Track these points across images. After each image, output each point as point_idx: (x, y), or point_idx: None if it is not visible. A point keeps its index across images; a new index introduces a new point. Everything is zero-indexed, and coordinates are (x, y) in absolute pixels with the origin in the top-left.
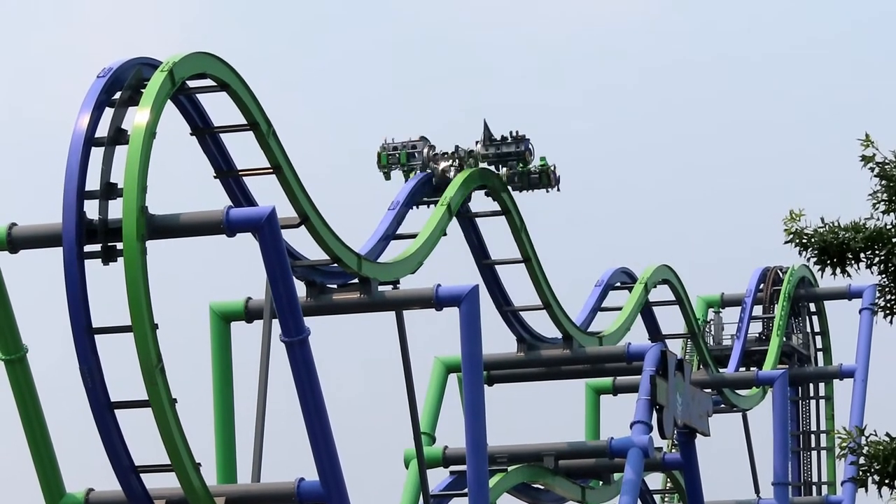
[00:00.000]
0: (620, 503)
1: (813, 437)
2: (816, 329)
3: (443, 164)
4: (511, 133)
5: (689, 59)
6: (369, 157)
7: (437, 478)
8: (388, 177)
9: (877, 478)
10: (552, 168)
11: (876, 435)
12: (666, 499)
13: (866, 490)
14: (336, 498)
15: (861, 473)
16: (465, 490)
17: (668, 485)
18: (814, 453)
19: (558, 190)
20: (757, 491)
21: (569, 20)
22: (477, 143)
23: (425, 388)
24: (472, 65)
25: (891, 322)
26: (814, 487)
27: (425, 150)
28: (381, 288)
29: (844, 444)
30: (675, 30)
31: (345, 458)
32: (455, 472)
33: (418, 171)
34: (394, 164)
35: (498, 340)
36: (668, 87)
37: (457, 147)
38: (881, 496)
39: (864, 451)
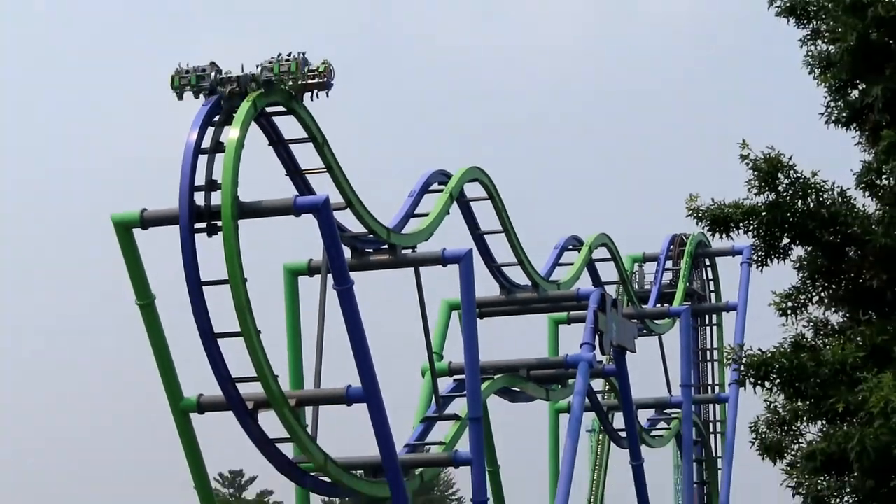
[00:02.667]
0: (574, 401)
1: (708, 352)
2: (710, 277)
3: (228, 88)
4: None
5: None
6: (388, 158)
7: (445, 384)
8: (180, 97)
9: (752, 380)
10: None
11: (752, 350)
12: (605, 397)
13: (745, 388)
14: (373, 398)
15: (741, 377)
16: (465, 392)
17: (607, 387)
18: (709, 364)
19: (327, 94)
20: (669, 391)
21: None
22: (258, 66)
23: (436, 320)
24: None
25: (761, 271)
26: (709, 388)
27: (213, 74)
28: (403, 251)
29: (730, 357)
30: (601, 35)
31: (380, 370)
32: (457, 380)
33: (207, 94)
34: (185, 85)
35: (486, 287)
36: (608, 86)
37: (241, 73)
38: (755, 392)
39: (744, 362)
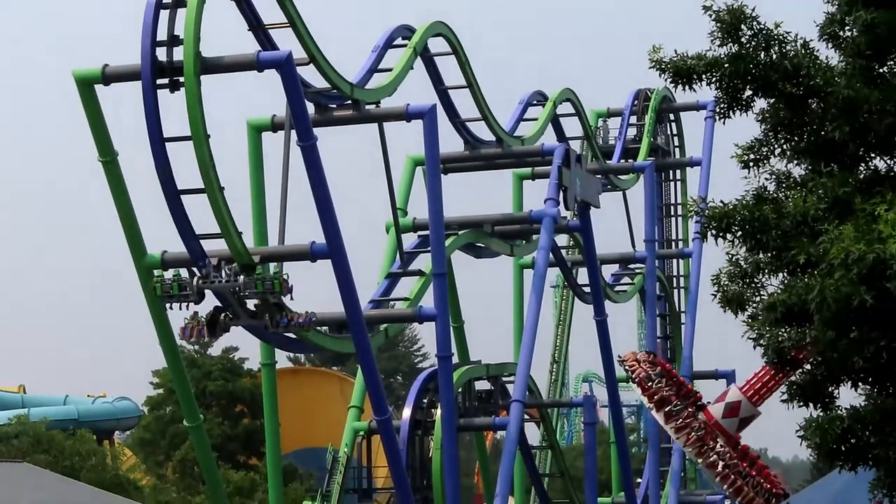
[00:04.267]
0: (538, 256)
1: (672, 207)
2: (674, 132)
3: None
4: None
5: None
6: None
7: (409, 240)
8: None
9: (714, 232)
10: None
11: (714, 202)
12: (570, 253)
13: (706, 241)
14: (337, 254)
15: (703, 229)
16: (429, 248)
17: (571, 243)
18: (673, 219)
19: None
20: (633, 246)
21: None
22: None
23: (400, 176)
24: None
25: (724, 123)
26: (673, 243)
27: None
28: (367, 107)
29: (692, 209)
30: None
31: (344, 227)
32: (421, 236)
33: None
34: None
35: (450, 143)
36: None
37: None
38: (717, 244)
39: (706, 214)
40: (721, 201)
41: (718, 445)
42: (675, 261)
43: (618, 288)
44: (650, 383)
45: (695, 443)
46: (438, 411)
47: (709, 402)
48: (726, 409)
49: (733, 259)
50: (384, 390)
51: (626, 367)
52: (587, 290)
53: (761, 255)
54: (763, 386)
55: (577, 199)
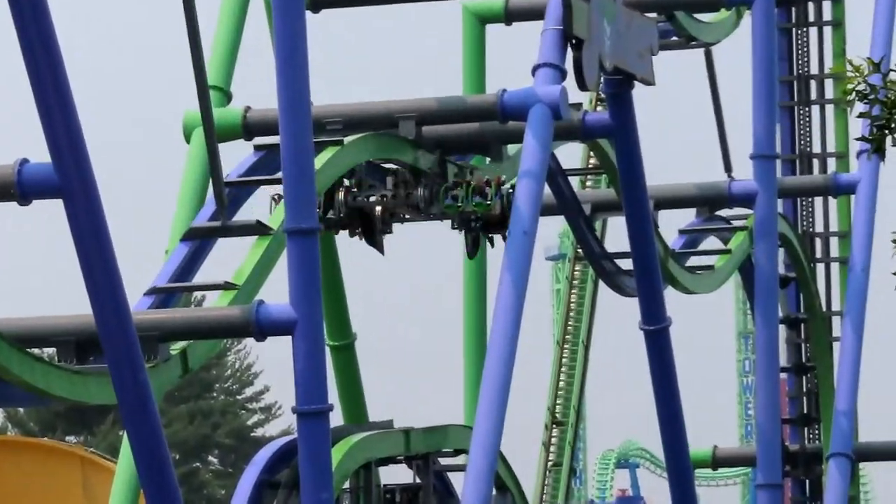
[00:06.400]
0: (518, 190)
1: (814, 83)
2: None
3: None
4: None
5: None
6: None
7: (235, 155)
8: None
9: None
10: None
11: None
12: (589, 181)
13: (882, 155)
14: (78, 186)
15: (878, 133)
16: (279, 175)
17: (592, 161)
18: (814, 110)
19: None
20: (728, 168)
21: None
22: None
23: (217, 20)
24: None
25: None
26: (814, 162)
27: None
28: None
29: (855, 86)
30: None
31: (92, 128)
32: (263, 147)
33: None
34: None
35: None
36: None
37: None
38: None
39: (886, 98)
40: None
41: None
42: (819, 201)
43: (694, 260)
44: None
45: None
46: None
47: None
48: None
49: None
50: (178, 485)
51: None
52: (626, 265)
53: None
54: None
55: (606, 66)
